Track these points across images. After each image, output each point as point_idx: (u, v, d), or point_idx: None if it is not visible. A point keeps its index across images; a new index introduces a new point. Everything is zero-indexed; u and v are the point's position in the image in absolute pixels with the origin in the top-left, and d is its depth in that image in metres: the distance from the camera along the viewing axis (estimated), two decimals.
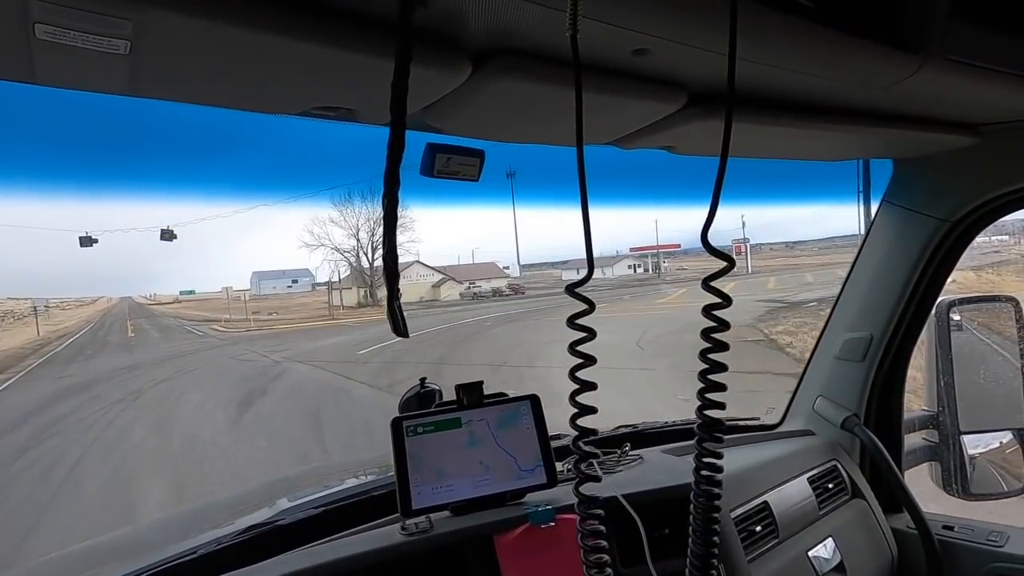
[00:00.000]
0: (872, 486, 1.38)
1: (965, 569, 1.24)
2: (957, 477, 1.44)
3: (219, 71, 0.58)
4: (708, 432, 0.62)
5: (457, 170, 0.95)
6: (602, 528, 0.63)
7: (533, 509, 0.88)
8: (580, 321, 0.54)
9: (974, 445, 1.49)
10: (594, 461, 1.17)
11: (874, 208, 1.41)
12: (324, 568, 0.80)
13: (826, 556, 1.21)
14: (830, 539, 1.23)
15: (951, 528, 1.30)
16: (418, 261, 45.10)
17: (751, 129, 0.89)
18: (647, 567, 0.89)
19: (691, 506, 0.65)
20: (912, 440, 1.48)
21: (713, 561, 0.64)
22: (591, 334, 0.55)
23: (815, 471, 1.32)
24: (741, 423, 1.59)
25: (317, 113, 0.75)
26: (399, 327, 0.53)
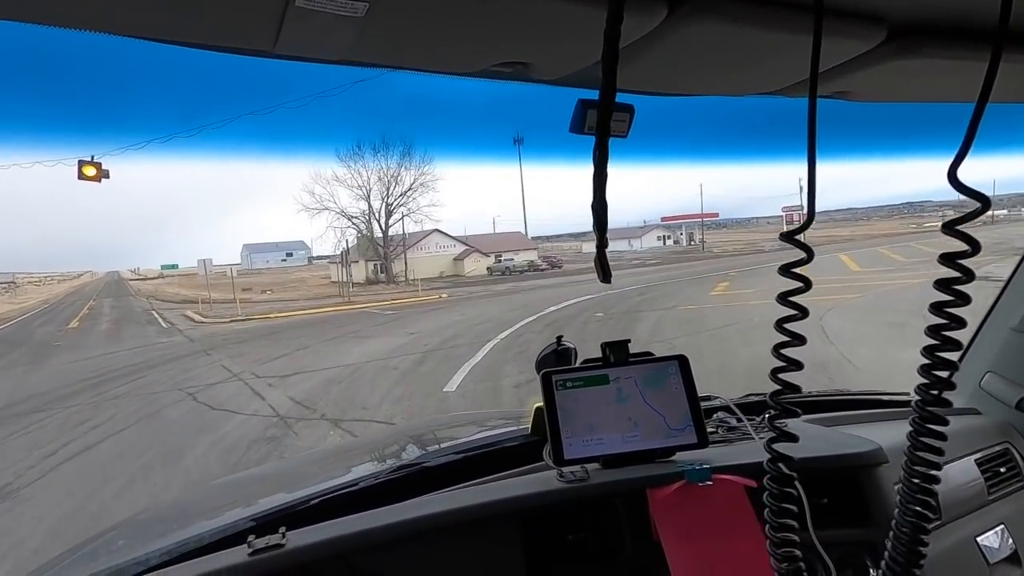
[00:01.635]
0: None
1: None
2: None
3: (436, 33, 0.60)
4: (928, 410, 0.57)
5: (608, 126, 0.94)
6: (793, 491, 0.61)
7: (690, 467, 0.88)
8: (796, 270, 0.53)
9: None
10: (756, 421, 1.14)
11: None
12: (492, 506, 0.86)
13: (996, 545, 1.12)
14: (1002, 526, 1.13)
15: None
16: (438, 230, 39.30)
17: (957, 67, 0.79)
18: (807, 534, 0.86)
19: (903, 477, 0.61)
20: None
21: (922, 547, 0.61)
22: (807, 284, 0.53)
23: (983, 453, 1.21)
24: (886, 398, 1.48)
25: (496, 71, 0.76)
26: (607, 273, 0.54)
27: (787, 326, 0.55)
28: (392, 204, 34.83)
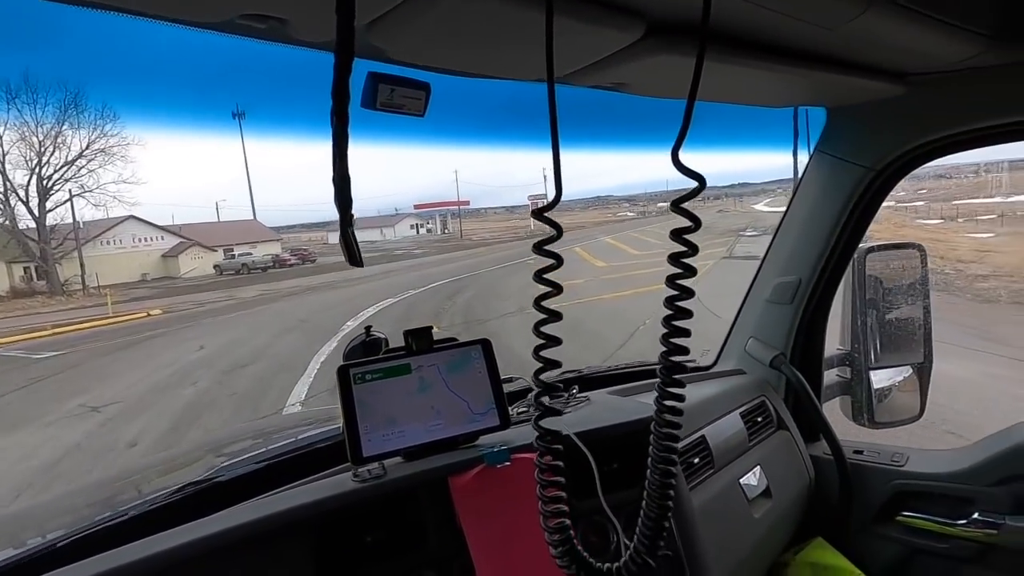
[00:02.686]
0: (795, 418, 1.51)
1: (872, 487, 1.39)
2: (864, 408, 1.60)
3: None
4: (669, 374, 0.63)
5: (401, 103, 0.89)
6: (560, 463, 0.64)
7: (488, 450, 0.88)
8: (548, 247, 0.53)
9: (879, 379, 1.66)
10: (554, 396, 1.19)
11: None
12: (273, 519, 0.77)
13: (754, 483, 1.32)
14: (758, 467, 1.33)
15: (861, 452, 1.45)
16: (133, 217, 28.67)
17: (711, 68, 0.88)
18: (598, 500, 0.92)
19: (651, 437, 0.66)
20: (829, 377, 1.61)
21: (670, 492, 0.67)
22: (558, 261, 0.54)
23: (746, 406, 1.42)
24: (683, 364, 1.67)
25: (242, 24, 0.66)
26: (354, 256, 0.50)
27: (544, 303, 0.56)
28: (51, 178, 23.59)
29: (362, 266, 0.53)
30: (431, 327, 0.98)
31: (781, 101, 1.25)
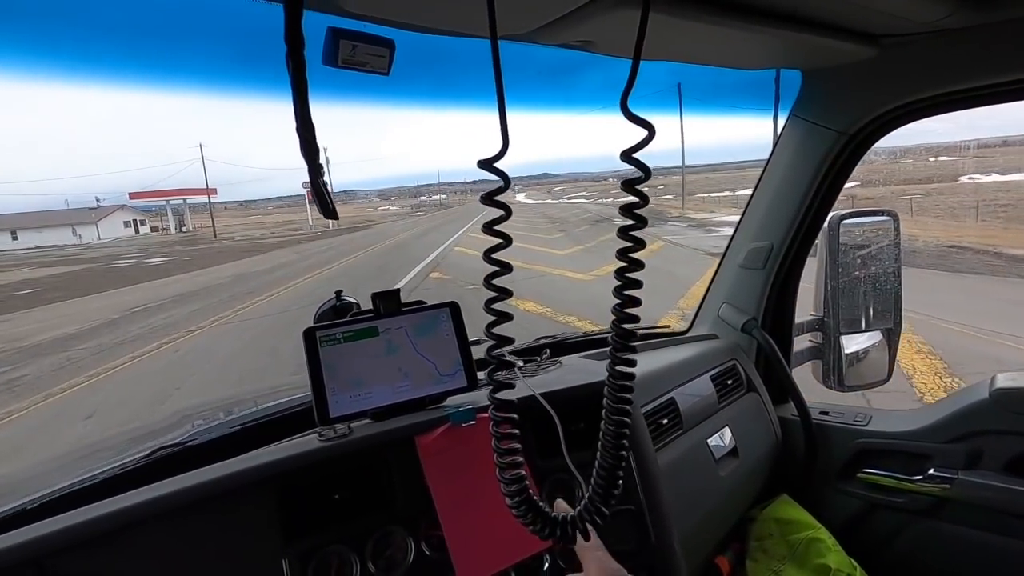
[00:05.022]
0: (764, 381, 1.54)
1: (836, 446, 1.44)
2: (834, 372, 1.64)
3: None
4: (622, 340, 0.64)
5: (364, 60, 0.86)
6: (515, 432, 0.64)
7: (454, 410, 0.90)
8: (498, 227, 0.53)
9: (850, 344, 1.69)
10: (513, 369, 1.21)
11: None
12: (235, 477, 0.78)
13: (722, 443, 1.36)
14: (727, 428, 1.37)
15: (826, 413, 1.49)
16: None
17: (670, 25, 0.87)
18: (563, 458, 0.94)
19: (606, 389, 0.67)
20: (801, 343, 1.65)
21: (623, 452, 0.68)
22: (507, 240, 0.53)
23: (717, 369, 1.45)
24: (655, 330, 1.70)
25: None
26: (327, 207, 0.49)
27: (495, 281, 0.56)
28: None
29: (337, 218, 0.52)
30: (398, 290, 0.98)
31: (756, 63, 1.23)
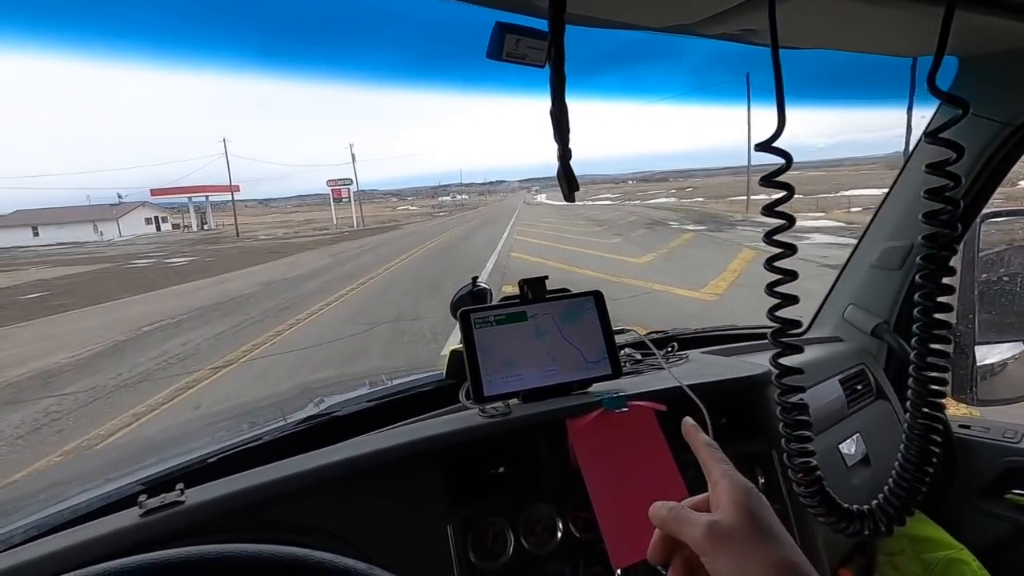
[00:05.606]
0: (895, 389, 1.45)
1: (980, 463, 1.34)
2: (968, 384, 1.52)
3: None
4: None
5: (525, 54, 0.89)
6: (807, 418, 0.66)
7: (606, 396, 0.91)
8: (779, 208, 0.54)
9: (985, 355, 1.57)
10: (661, 353, 1.20)
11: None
12: (415, 445, 0.83)
13: (853, 451, 1.29)
14: (857, 435, 1.31)
15: (968, 427, 1.39)
16: None
17: (825, 8, 0.83)
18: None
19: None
20: None
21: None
22: (790, 221, 0.54)
23: (844, 374, 1.38)
24: (763, 330, 1.64)
25: None
26: (573, 187, 0.52)
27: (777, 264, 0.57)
28: None
29: (574, 201, 0.55)
30: (545, 277, 1.01)
31: (909, 49, 1.17)
